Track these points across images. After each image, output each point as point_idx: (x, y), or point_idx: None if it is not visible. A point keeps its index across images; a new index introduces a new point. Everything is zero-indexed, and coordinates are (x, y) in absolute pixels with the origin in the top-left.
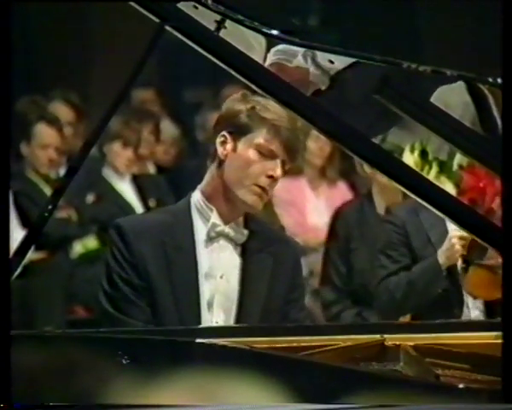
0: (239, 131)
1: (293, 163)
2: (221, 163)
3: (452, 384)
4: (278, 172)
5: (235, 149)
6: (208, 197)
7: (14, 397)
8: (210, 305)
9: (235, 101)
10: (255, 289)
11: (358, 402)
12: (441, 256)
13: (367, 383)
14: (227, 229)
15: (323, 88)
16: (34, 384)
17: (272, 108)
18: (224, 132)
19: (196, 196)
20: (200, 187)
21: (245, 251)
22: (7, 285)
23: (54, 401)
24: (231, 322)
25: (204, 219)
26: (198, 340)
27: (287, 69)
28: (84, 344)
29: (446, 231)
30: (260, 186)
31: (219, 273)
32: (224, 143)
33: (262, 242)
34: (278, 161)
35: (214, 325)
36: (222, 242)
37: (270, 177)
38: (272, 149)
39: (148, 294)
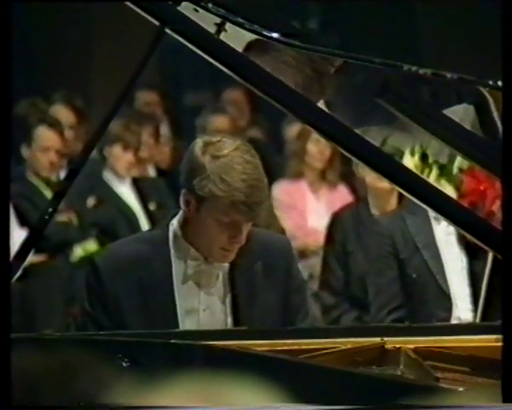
0: (199, 196)
1: (256, 220)
2: (188, 216)
3: (452, 387)
4: (240, 236)
5: (197, 212)
6: (184, 234)
7: (14, 400)
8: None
9: (195, 153)
10: (246, 314)
11: (358, 405)
12: None
13: (367, 386)
14: (205, 266)
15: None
16: (34, 387)
17: (228, 178)
18: (185, 191)
19: (175, 227)
20: (178, 219)
21: (229, 278)
22: (7, 288)
23: (53, 403)
24: None
25: (182, 253)
26: (198, 342)
27: None
28: (84, 347)
29: (433, 236)
30: (225, 249)
31: (202, 307)
32: (187, 202)
33: (247, 261)
34: (241, 227)
35: (215, 329)
36: (202, 276)
37: (233, 242)
38: (232, 219)
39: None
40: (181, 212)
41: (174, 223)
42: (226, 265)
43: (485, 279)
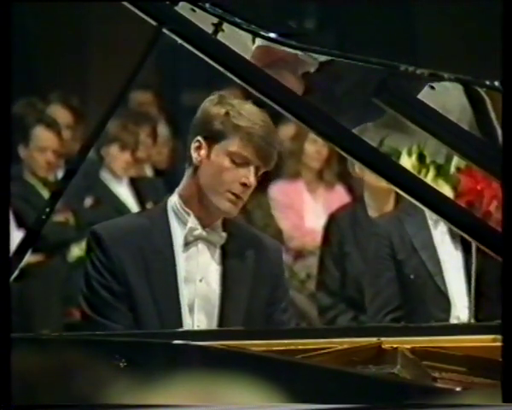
0: (213, 137)
1: (268, 169)
2: (196, 168)
3: (449, 387)
4: (251, 179)
5: (209, 156)
6: (185, 201)
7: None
8: (191, 309)
9: (211, 103)
10: (237, 292)
11: (356, 405)
12: None
13: (364, 386)
14: (204, 233)
15: (312, 70)
16: (31, 387)
17: (247, 114)
18: (198, 138)
19: (174, 200)
20: (177, 190)
21: (225, 254)
22: (7, 288)
23: (50, 404)
24: (214, 325)
25: (181, 222)
26: (195, 343)
27: (275, 52)
28: (81, 347)
29: (431, 237)
30: (234, 193)
31: (198, 277)
32: (198, 148)
33: (242, 243)
34: (251, 169)
35: (213, 328)
36: (200, 245)
37: (244, 184)
38: (245, 156)
39: (129, 299)
40: (180, 186)
41: (173, 196)
42: (224, 235)
43: (473, 274)
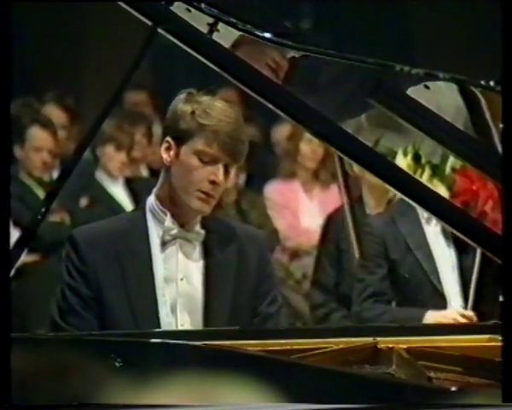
0: (180, 137)
1: (238, 164)
2: (168, 169)
3: (445, 387)
4: (220, 177)
5: (178, 156)
6: (162, 201)
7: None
8: (173, 309)
9: (179, 102)
10: (220, 288)
11: (352, 405)
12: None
13: (360, 386)
14: (182, 232)
15: (297, 56)
16: (27, 387)
17: (212, 112)
18: (168, 138)
19: (151, 200)
20: (154, 190)
21: (206, 250)
22: (7, 288)
23: (46, 404)
24: (199, 324)
25: (159, 222)
26: (191, 342)
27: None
28: (77, 347)
29: (424, 236)
30: (204, 192)
31: (179, 276)
32: (168, 149)
33: (223, 238)
34: (220, 166)
35: (209, 328)
36: (179, 244)
37: (213, 182)
38: (212, 154)
39: (97, 305)
40: (156, 186)
41: (150, 197)
42: (202, 232)
43: (475, 274)
